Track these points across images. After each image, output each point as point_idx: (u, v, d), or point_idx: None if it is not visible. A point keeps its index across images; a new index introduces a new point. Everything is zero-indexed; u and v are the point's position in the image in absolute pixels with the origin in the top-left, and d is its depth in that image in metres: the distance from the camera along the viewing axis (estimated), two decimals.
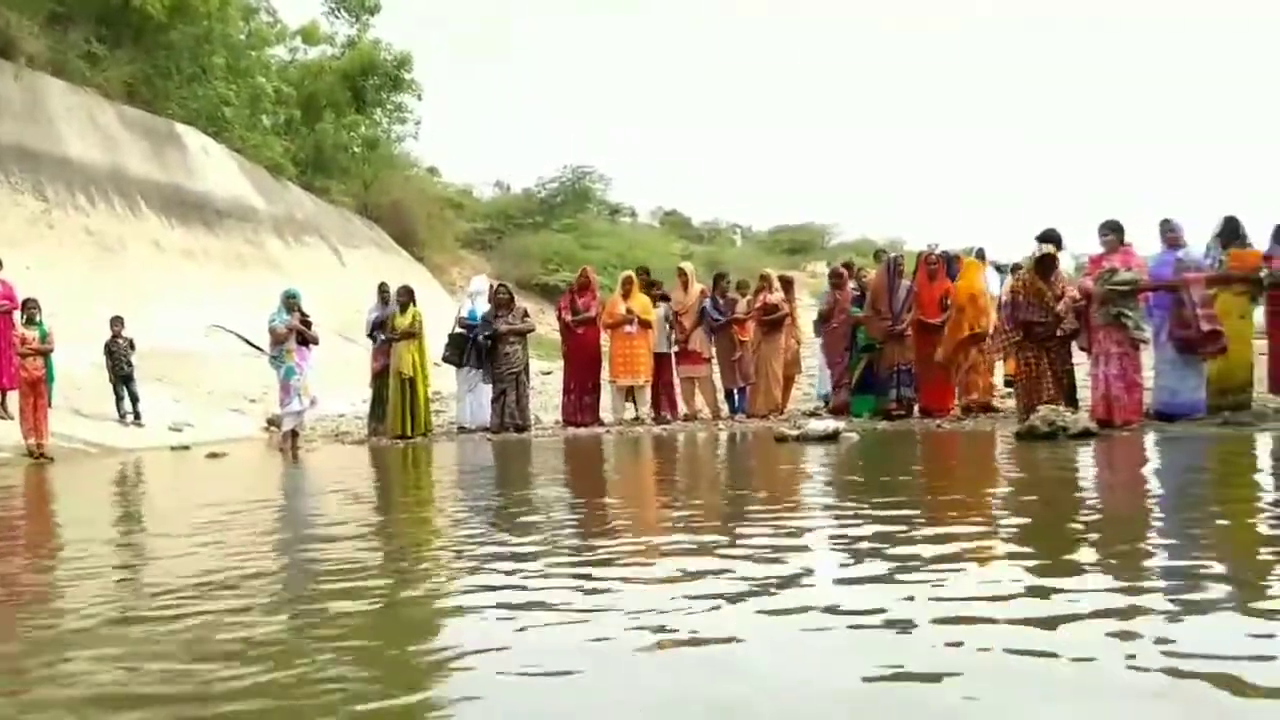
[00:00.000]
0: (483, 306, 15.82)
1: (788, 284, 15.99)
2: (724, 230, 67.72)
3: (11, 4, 22.45)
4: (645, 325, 14.96)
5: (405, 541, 5.76)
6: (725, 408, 15.42)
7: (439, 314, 16.41)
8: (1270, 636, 2.96)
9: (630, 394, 15.36)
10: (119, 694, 2.86)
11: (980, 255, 15.02)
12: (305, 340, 13.94)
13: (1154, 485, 6.96)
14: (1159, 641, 2.88)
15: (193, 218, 25.29)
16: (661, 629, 3.31)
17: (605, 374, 15.56)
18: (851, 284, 14.45)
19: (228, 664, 3.07)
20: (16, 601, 4.38)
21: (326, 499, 8.41)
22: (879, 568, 4.13)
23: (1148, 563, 4.15)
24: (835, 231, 66.64)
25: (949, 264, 13.87)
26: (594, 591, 3.92)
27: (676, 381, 15.56)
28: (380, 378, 15.29)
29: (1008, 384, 13.98)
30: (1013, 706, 2.51)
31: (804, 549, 4.72)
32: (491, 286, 16.40)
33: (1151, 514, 5.63)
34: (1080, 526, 5.13)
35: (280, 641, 3.38)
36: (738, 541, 4.89)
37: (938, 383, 13.43)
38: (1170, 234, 11.25)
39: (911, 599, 3.56)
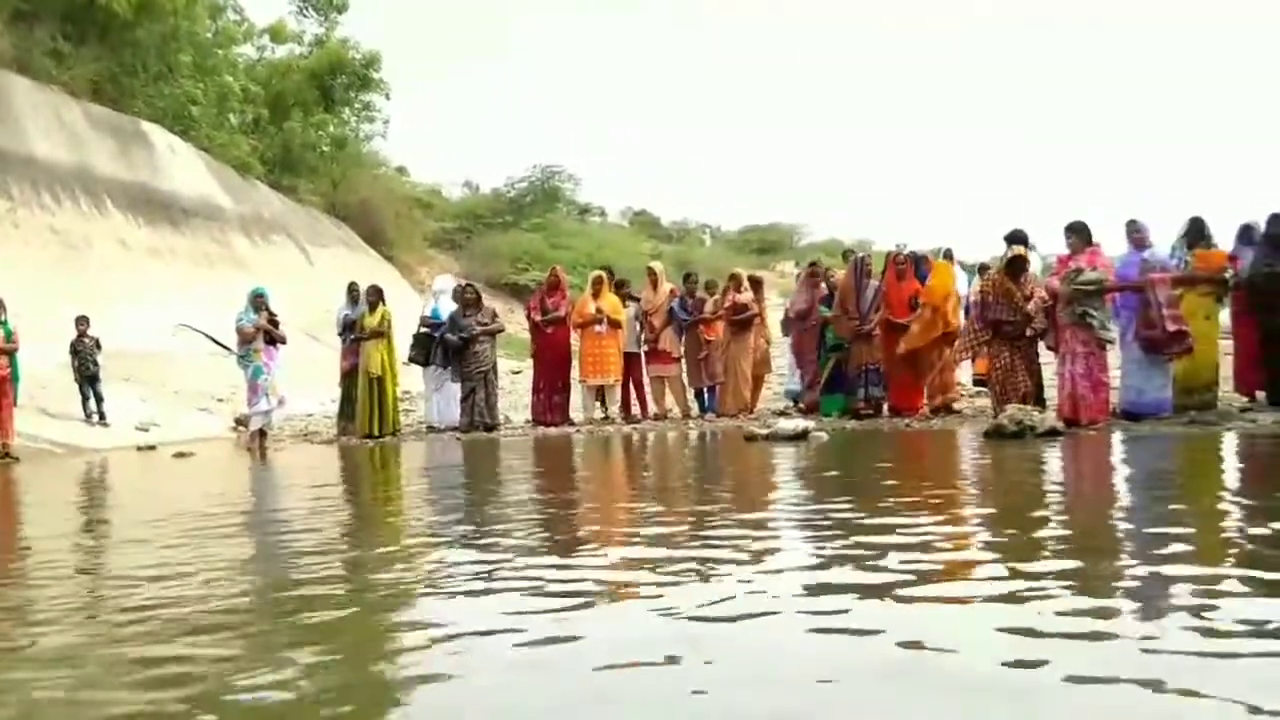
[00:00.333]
0: (446, 305, 15.80)
1: (757, 284, 16.01)
2: (693, 230, 67.84)
3: None
4: (615, 325, 14.96)
5: (372, 542, 5.74)
6: (695, 407, 15.43)
7: (408, 313, 16.37)
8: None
9: (600, 393, 15.36)
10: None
11: (948, 256, 15.10)
12: (273, 339, 13.89)
13: (1118, 482, 7.02)
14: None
15: (159, 217, 25.14)
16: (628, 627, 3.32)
17: (575, 373, 15.56)
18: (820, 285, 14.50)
19: (176, 667, 3.06)
20: None
21: (294, 499, 8.39)
22: (843, 565, 4.15)
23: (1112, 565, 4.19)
24: (804, 232, 66.95)
25: (917, 264, 13.94)
26: (561, 594, 3.92)
27: (646, 381, 15.57)
28: (349, 377, 15.23)
29: (977, 384, 14.07)
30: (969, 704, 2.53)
31: (769, 545, 4.74)
32: (459, 286, 16.37)
33: (1114, 511, 5.68)
34: (1046, 524, 5.18)
35: (239, 636, 3.38)
36: (704, 540, 4.90)
37: (906, 382, 13.48)
38: (1136, 234, 11.33)
39: (880, 600, 3.59)
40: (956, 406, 13.24)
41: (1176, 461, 8.33)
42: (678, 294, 15.30)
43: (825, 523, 5.24)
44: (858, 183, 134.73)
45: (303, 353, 19.41)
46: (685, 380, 15.42)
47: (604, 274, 15.82)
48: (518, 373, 22.47)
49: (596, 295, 15.13)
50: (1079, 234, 11.09)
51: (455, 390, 15.18)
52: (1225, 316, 12.15)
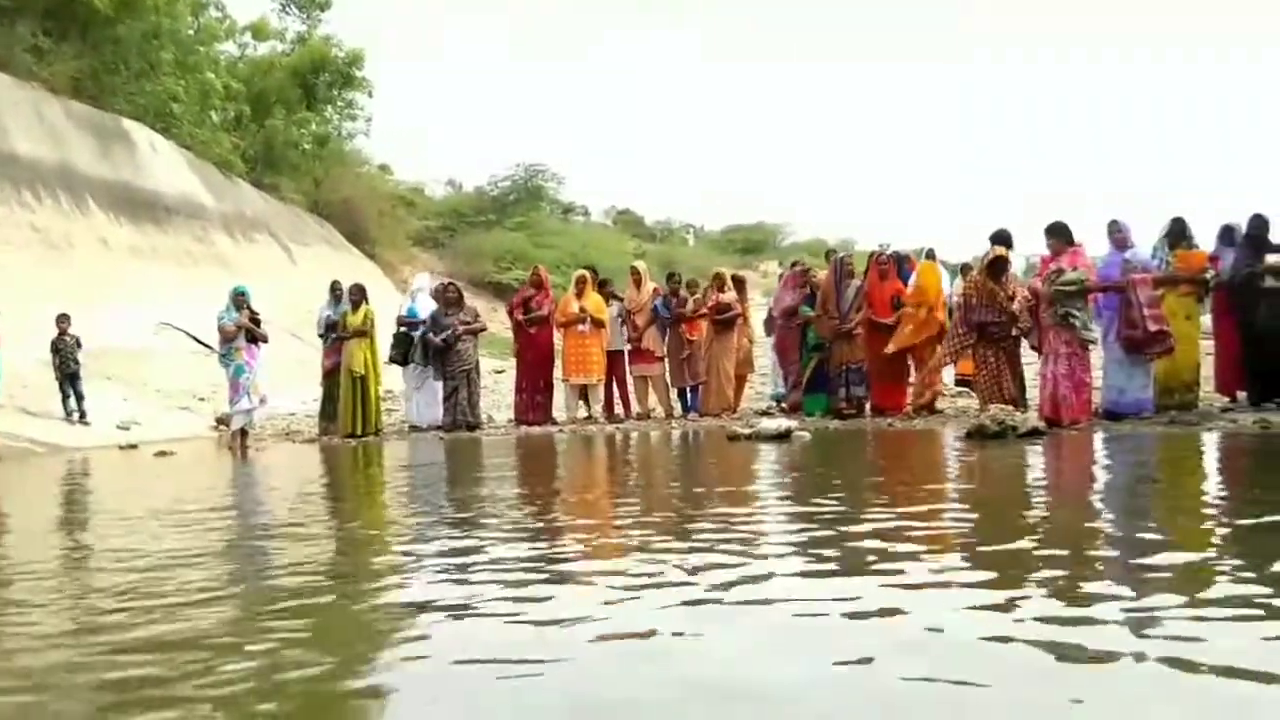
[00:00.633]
0: (424, 303, 15.81)
1: (740, 283, 16.04)
2: (677, 229, 67.81)
3: None
4: (598, 324, 14.96)
5: (353, 539, 5.73)
6: (677, 407, 15.43)
7: (391, 312, 16.34)
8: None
9: (583, 393, 15.35)
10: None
11: (930, 256, 15.15)
12: (255, 338, 13.85)
13: (1097, 482, 7.05)
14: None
15: (141, 215, 25.03)
16: (609, 623, 3.32)
17: (558, 372, 15.56)
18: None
19: (156, 666, 3.05)
20: None
21: (275, 498, 8.37)
22: (825, 565, 4.16)
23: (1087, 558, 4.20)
24: (788, 231, 66.93)
25: (899, 264, 13.99)
26: (545, 583, 3.92)
27: (629, 380, 15.57)
28: (331, 376, 15.19)
29: (960, 384, 14.10)
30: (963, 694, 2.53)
31: (751, 545, 4.74)
32: (441, 285, 16.35)
33: (1092, 510, 5.69)
34: (1023, 523, 5.20)
35: (224, 636, 3.37)
36: (687, 537, 4.91)
37: (890, 382, 13.52)
38: (1118, 234, 11.37)
39: (859, 597, 3.60)
40: (939, 406, 13.27)
41: (1156, 460, 8.37)
42: (661, 293, 15.31)
43: (807, 523, 5.25)
44: (841, 183, 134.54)
45: (285, 351, 19.35)
46: (668, 380, 15.43)
47: (587, 273, 15.82)
48: (501, 372, 22.46)
49: (580, 294, 15.13)
50: (1058, 235, 11.12)
51: (437, 389, 15.17)
52: (1207, 317, 12.22)
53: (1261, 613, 3.16)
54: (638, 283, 15.56)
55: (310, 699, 2.72)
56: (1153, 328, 10.64)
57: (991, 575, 3.85)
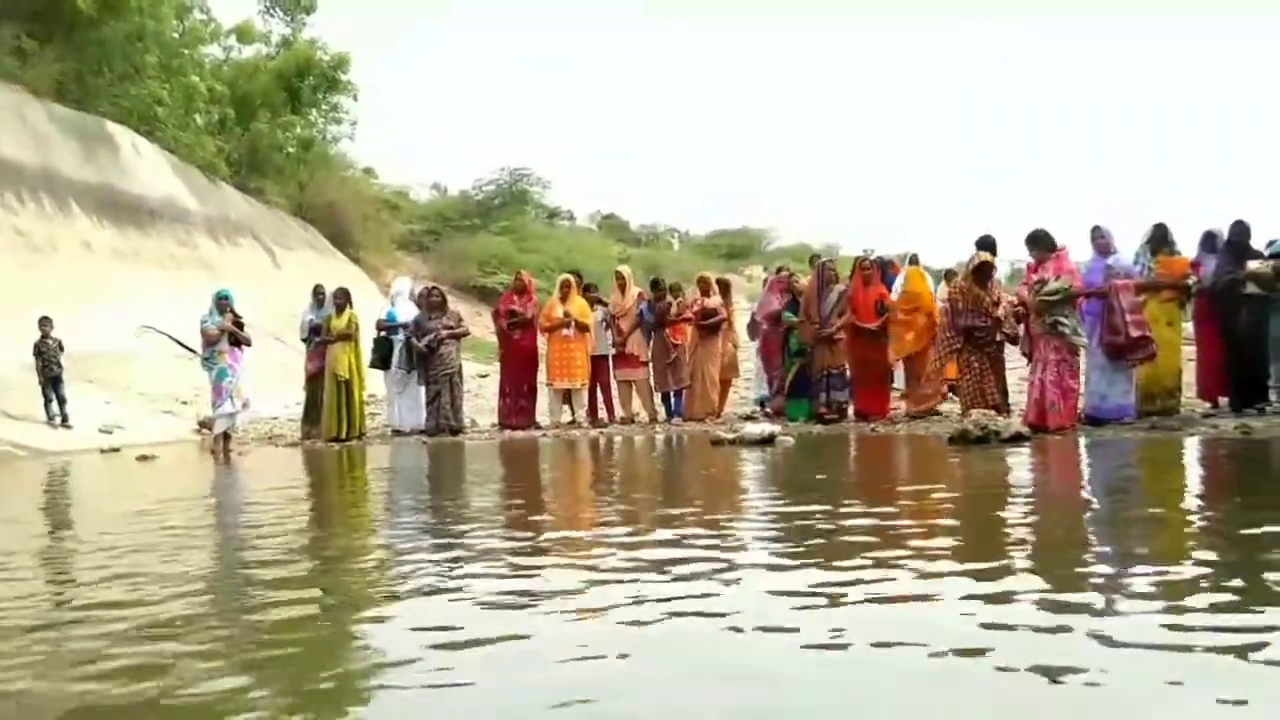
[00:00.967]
0: (403, 308, 15.79)
1: (725, 287, 16.06)
2: (662, 234, 67.91)
3: None
4: (583, 328, 14.95)
5: (337, 545, 5.72)
6: (661, 411, 15.43)
7: (375, 316, 16.31)
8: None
9: (567, 397, 15.34)
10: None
11: (914, 261, 15.20)
12: (238, 342, 13.79)
13: (1079, 487, 7.09)
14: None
15: (124, 218, 24.95)
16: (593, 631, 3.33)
17: (542, 376, 15.55)
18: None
19: (136, 678, 3.04)
20: None
21: (257, 502, 8.35)
22: (805, 567, 4.17)
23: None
24: (773, 236, 67.12)
25: (883, 269, 14.03)
26: (526, 595, 3.92)
27: (614, 384, 15.56)
28: (315, 380, 15.17)
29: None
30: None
31: (730, 546, 4.75)
32: (425, 289, 16.33)
33: (1073, 512, 5.72)
34: (1003, 525, 5.21)
35: (205, 646, 3.36)
36: (672, 542, 4.91)
37: (873, 387, 13.56)
38: (1101, 240, 11.41)
39: (845, 594, 3.61)
40: (941, 409, 13.30)
41: (1137, 465, 8.42)
42: (645, 298, 15.31)
43: (787, 525, 5.26)
44: (827, 188, 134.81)
45: (268, 355, 19.30)
46: (652, 384, 15.42)
47: (572, 277, 15.82)
48: (485, 376, 22.43)
49: (564, 299, 15.13)
50: (1039, 244, 11.16)
51: (419, 393, 15.16)
52: (1188, 323, 12.27)
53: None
54: (622, 287, 15.57)
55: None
56: (1135, 333, 10.69)
57: (976, 576, 3.87)
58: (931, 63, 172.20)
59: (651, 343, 15.19)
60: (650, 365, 15.31)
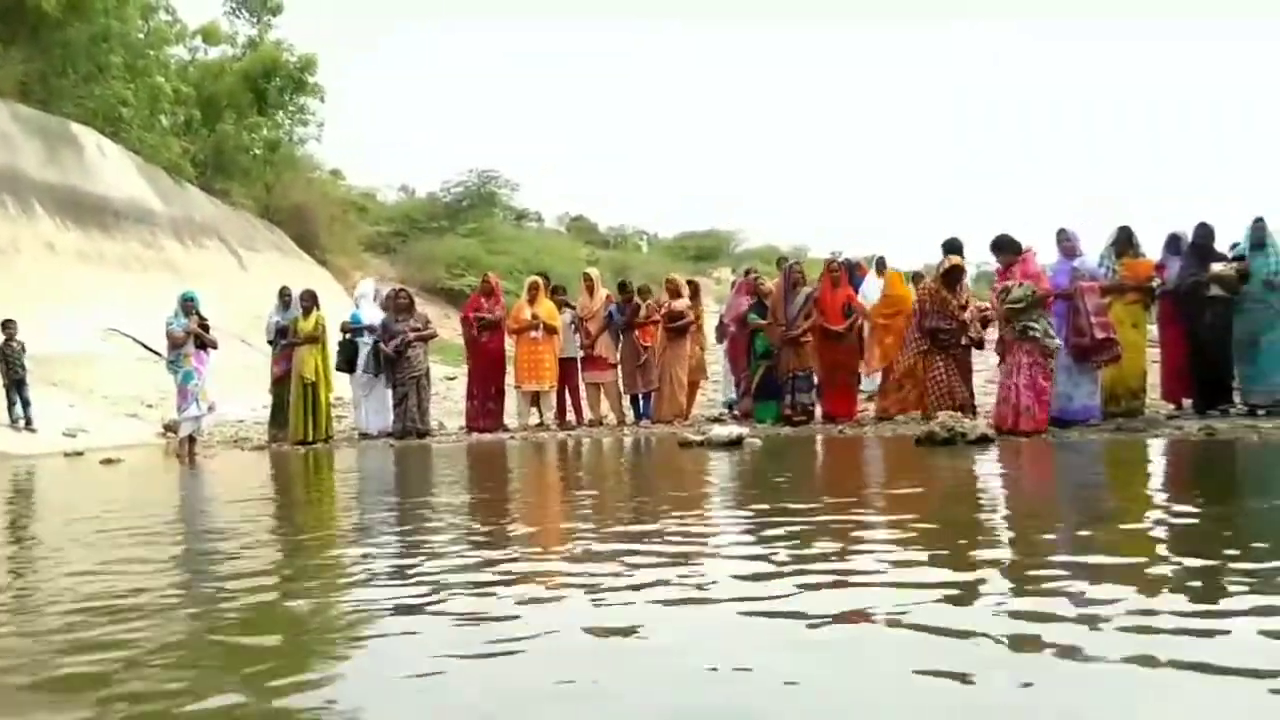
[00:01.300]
0: (368, 309, 15.75)
1: (695, 289, 16.08)
2: (630, 236, 67.86)
3: None
4: (551, 331, 14.94)
5: (302, 548, 5.69)
6: (630, 413, 15.44)
7: (342, 318, 16.24)
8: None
9: (535, 399, 15.32)
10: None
11: (881, 264, 15.31)
12: (203, 344, 13.72)
13: (1045, 486, 7.13)
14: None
15: (88, 219, 24.79)
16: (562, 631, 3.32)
17: (510, 379, 15.53)
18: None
19: (98, 685, 3.01)
20: None
21: (223, 505, 8.30)
22: (773, 566, 4.17)
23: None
24: (741, 238, 67.19)
25: (851, 272, 14.09)
26: (493, 594, 3.91)
27: (582, 387, 15.56)
28: (281, 383, 15.11)
29: None
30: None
31: (697, 547, 4.75)
32: (392, 291, 16.29)
33: (1038, 512, 5.75)
34: (972, 526, 5.23)
35: (169, 650, 3.33)
36: (640, 543, 4.91)
37: (841, 389, 13.61)
38: (1066, 243, 11.49)
39: (815, 588, 3.61)
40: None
41: (1103, 466, 8.47)
42: (613, 300, 15.32)
43: (753, 526, 5.27)
44: (797, 189, 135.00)
45: (234, 358, 19.21)
46: (621, 386, 15.43)
47: (540, 279, 15.81)
48: (452, 379, 22.37)
49: (532, 301, 15.12)
50: (1004, 250, 11.20)
51: (386, 396, 15.12)
52: (1153, 326, 12.37)
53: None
54: (590, 289, 15.57)
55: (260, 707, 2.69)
56: (1100, 335, 10.77)
57: (942, 571, 3.88)
58: (911, 63, 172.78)
59: (620, 345, 15.20)
60: (619, 368, 15.32)
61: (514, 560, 4.75)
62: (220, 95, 35.50)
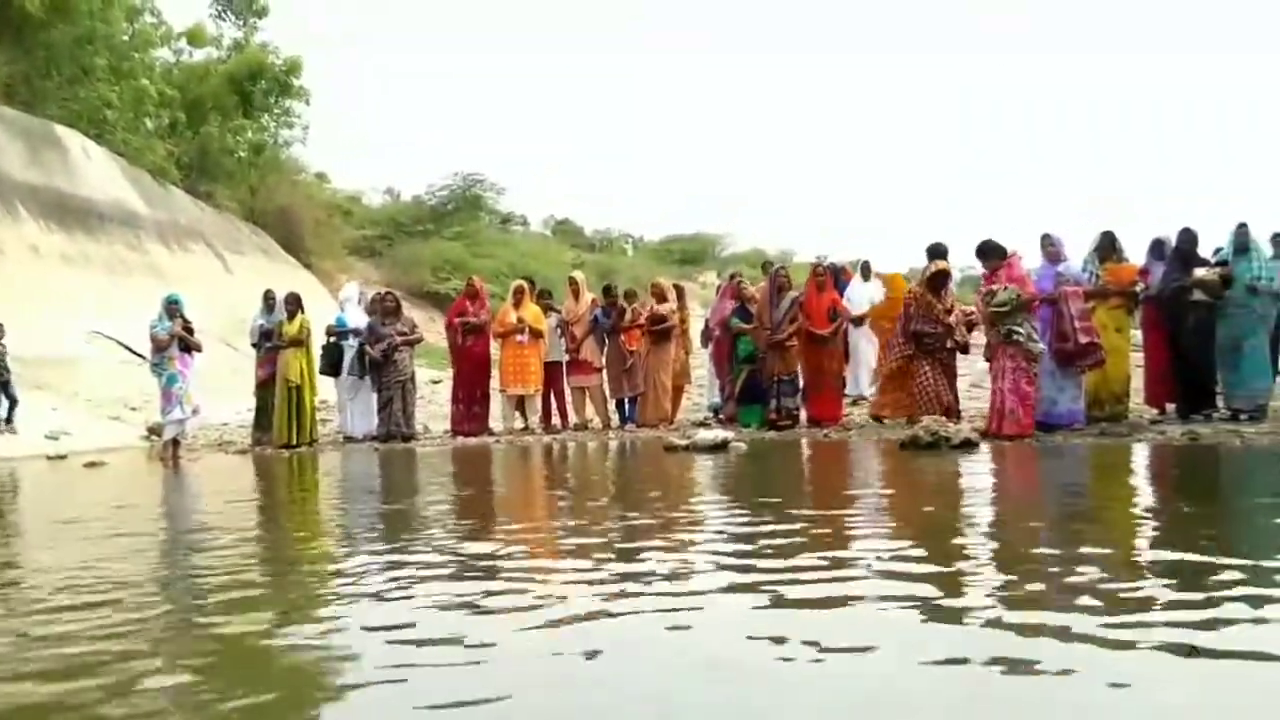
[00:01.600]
0: (352, 313, 15.71)
1: (680, 293, 16.08)
2: (616, 239, 67.82)
3: None
4: (536, 335, 14.93)
5: (287, 553, 5.69)
6: (615, 417, 15.43)
7: (327, 322, 16.19)
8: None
9: (520, 403, 15.30)
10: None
11: (865, 268, 15.35)
12: (188, 347, 13.67)
13: (1028, 490, 7.16)
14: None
15: (72, 222, 24.70)
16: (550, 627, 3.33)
17: (495, 383, 15.50)
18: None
19: (81, 679, 3.01)
20: None
21: (206, 509, 8.28)
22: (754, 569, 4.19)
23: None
24: (727, 242, 67.19)
25: (836, 276, 14.12)
26: (478, 604, 3.91)
27: (567, 391, 15.54)
28: (265, 386, 15.06)
29: None
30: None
31: (685, 551, 4.76)
32: (379, 294, 16.26)
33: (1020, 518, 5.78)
34: (956, 529, 5.25)
35: (146, 655, 3.33)
36: (623, 549, 4.92)
37: (826, 393, 13.63)
38: (1050, 248, 11.54)
39: (797, 595, 3.63)
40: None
41: (1087, 470, 8.51)
42: (599, 304, 15.32)
43: (737, 529, 5.28)
44: (795, 193, 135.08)
45: (219, 361, 19.17)
46: (606, 390, 15.42)
47: (525, 283, 15.80)
48: (437, 382, 22.34)
49: (518, 305, 15.10)
50: (990, 255, 11.26)
51: (371, 400, 15.08)
52: (1137, 330, 12.41)
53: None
54: (576, 293, 15.55)
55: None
56: (1084, 340, 10.82)
57: (928, 578, 3.89)
58: (911, 63, 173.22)
59: (606, 349, 15.19)
60: (604, 371, 15.31)
61: (500, 565, 4.75)
62: (205, 98, 35.40)
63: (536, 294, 15.77)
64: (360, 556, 5.15)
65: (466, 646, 3.30)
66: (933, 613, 3.48)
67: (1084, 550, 4.43)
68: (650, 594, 3.92)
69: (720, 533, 5.44)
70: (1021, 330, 10.78)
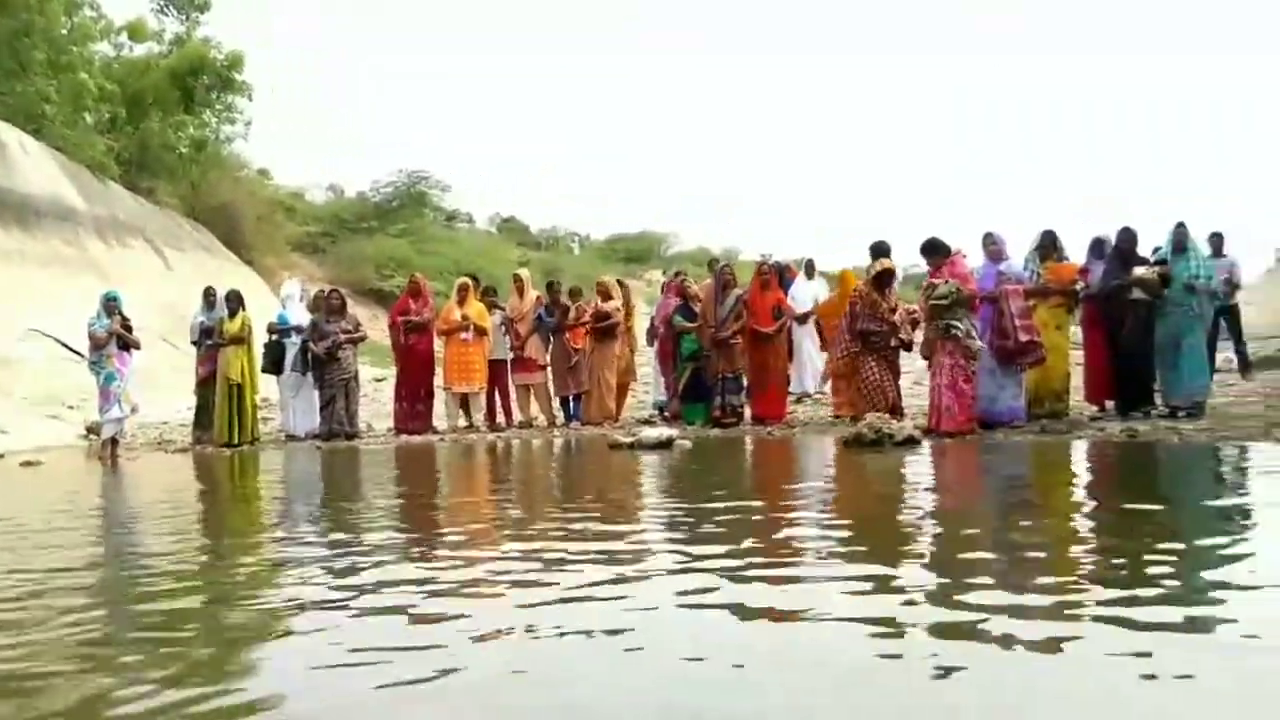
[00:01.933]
0: (294, 310, 15.61)
1: (627, 292, 16.09)
2: (562, 238, 67.74)
3: None
4: (481, 332, 14.88)
5: (224, 550, 5.63)
6: (560, 415, 15.40)
7: (269, 319, 16.06)
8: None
9: (464, 401, 15.25)
10: None
11: (809, 266, 15.40)
12: (126, 345, 13.53)
13: (967, 486, 7.23)
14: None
15: (9, 218, 24.32)
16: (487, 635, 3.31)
17: (439, 380, 15.44)
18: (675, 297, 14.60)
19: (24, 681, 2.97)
20: None
21: (144, 508, 8.19)
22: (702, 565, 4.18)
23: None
24: (672, 241, 67.28)
25: (781, 274, 14.16)
26: (423, 597, 3.89)
27: (512, 389, 15.49)
28: (206, 384, 14.94)
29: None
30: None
31: (627, 547, 4.75)
32: (324, 291, 16.15)
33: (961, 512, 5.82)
34: (896, 524, 5.28)
35: (90, 646, 3.28)
36: (566, 545, 4.90)
37: (771, 391, 13.66)
38: (992, 246, 11.64)
39: (744, 590, 3.63)
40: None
41: (1026, 467, 8.59)
42: (543, 302, 15.29)
43: (681, 525, 5.28)
44: (726, 192, 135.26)
45: (159, 359, 18.97)
46: (550, 388, 15.39)
47: (469, 281, 15.74)
48: (381, 380, 22.23)
49: (462, 302, 15.05)
50: (933, 253, 11.34)
51: (314, 397, 14.99)
52: (1077, 328, 12.53)
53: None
54: (520, 291, 15.52)
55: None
56: (1024, 338, 10.92)
57: (867, 573, 3.91)
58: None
59: (551, 347, 15.16)
60: (549, 369, 15.29)
61: (443, 560, 4.73)
62: (146, 92, 34.93)
63: (481, 291, 15.71)
64: (299, 556, 5.10)
65: (410, 629, 3.27)
66: (875, 600, 3.50)
67: (1020, 539, 4.48)
68: (589, 587, 3.91)
69: (663, 527, 5.45)
70: (960, 326, 10.86)
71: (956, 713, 2.50)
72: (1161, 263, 11.46)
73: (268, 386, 16.04)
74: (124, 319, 13.54)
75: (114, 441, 13.53)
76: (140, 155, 33.96)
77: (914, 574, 4.06)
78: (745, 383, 13.74)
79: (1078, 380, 12.22)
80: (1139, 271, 11.41)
